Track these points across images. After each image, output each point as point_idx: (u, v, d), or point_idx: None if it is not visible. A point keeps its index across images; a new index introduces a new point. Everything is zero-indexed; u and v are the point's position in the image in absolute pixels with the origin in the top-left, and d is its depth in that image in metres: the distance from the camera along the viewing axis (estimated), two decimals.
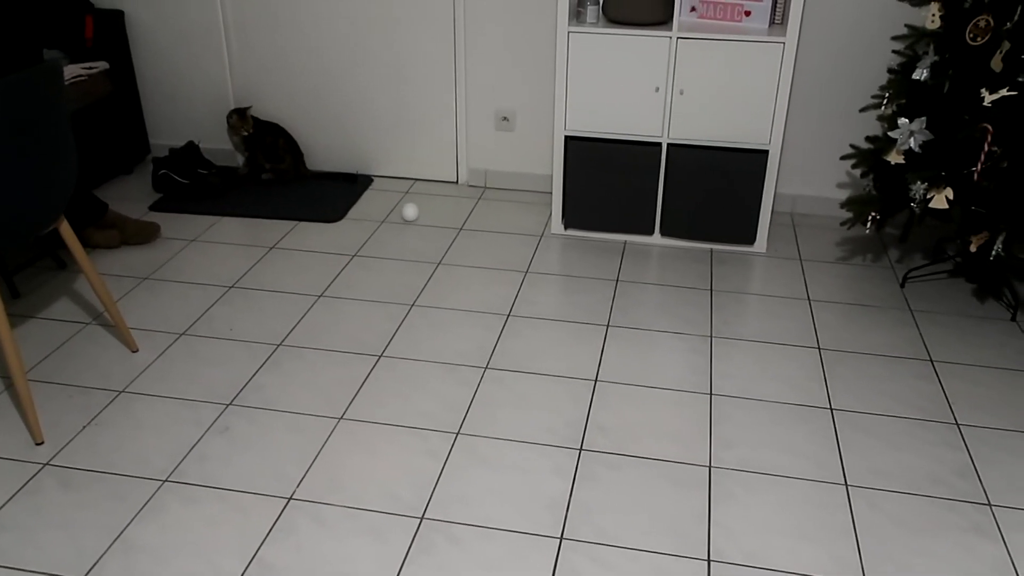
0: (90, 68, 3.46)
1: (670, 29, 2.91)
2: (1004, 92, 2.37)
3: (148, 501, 1.96)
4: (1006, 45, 2.38)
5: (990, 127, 2.41)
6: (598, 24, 2.97)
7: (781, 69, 2.87)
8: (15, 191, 1.99)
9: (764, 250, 3.17)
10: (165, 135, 3.94)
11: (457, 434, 2.19)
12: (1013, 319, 2.73)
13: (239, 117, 3.58)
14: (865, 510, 1.95)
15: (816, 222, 3.42)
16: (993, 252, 2.43)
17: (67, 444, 2.14)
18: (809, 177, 3.44)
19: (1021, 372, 2.46)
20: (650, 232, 3.21)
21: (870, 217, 2.73)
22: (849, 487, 2.02)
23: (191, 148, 3.63)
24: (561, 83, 3.04)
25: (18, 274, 2.96)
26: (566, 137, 3.12)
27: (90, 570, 1.77)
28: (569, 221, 3.26)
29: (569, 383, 2.40)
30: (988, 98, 2.39)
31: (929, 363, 2.50)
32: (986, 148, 2.43)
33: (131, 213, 3.42)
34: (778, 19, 2.97)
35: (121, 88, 3.72)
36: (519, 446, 2.15)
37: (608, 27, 2.95)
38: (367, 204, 3.55)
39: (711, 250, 3.18)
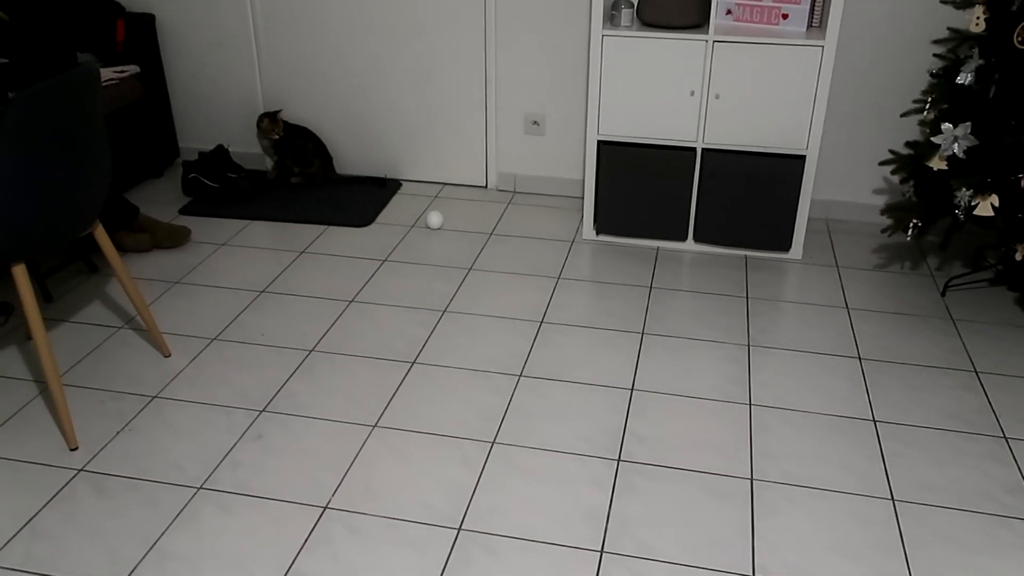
0: (121, 72, 3.46)
1: (706, 32, 2.87)
2: None
3: (183, 509, 1.94)
4: None
5: None
6: (632, 27, 2.94)
7: (820, 73, 2.82)
8: (54, 196, 1.98)
9: (800, 257, 3.12)
10: (194, 139, 3.94)
11: (492, 443, 2.16)
12: None
13: (270, 121, 3.57)
14: (914, 526, 1.90)
15: (852, 228, 3.36)
16: None
17: (101, 450, 2.13)
18: (844, 183, 3.38)
19: None
20: (683, 238, 3.17)
21: (912, 224, 2.68)
22: (896, 502, 1.97)
23: (220, 152, 3.63)
24: (595, 87, 3.00)
25: (50, 278, 2.96)
26: (599, 142, 3.09)
27: None
28: (601, 226, 3.22)
29: (605, 392, 2.36)
30: None
31: (974, 374, 2.44)
32: None
33: (161, 217, 3.42)
34: (816, 22, 2.92)
35: (151, 92, 3.72)
36: (556, 456, 2.11)
37: (643, 30, 2.91)
38: (396, 209, 3.53)
39: (745, 257, 3.14)
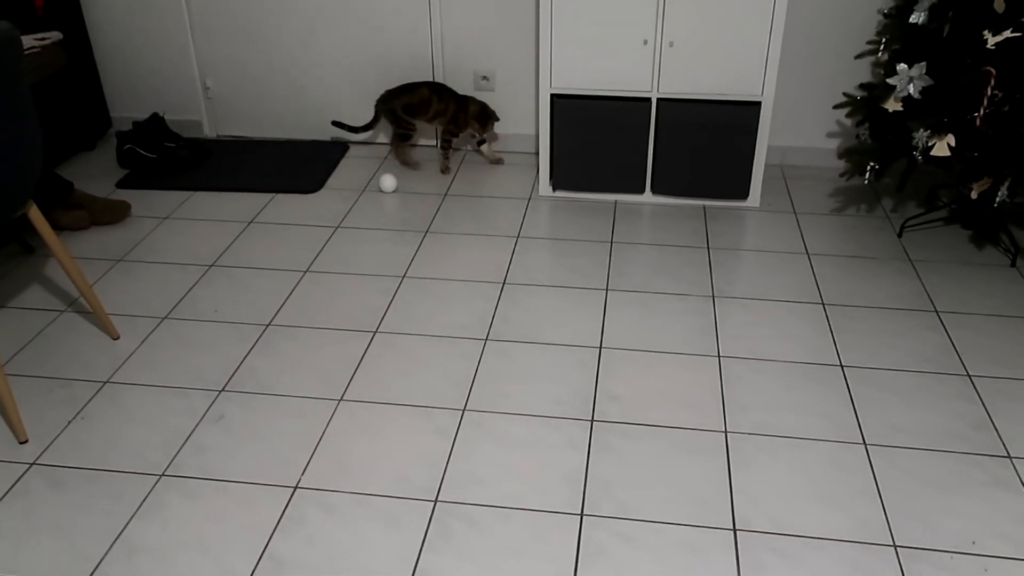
0: (42, 39, 3.25)
1: None
2: (1008, 34, 2.31)
3: (146, 498, 1.86)
4: None
5: (993, 70, 2.35)
6: None
7: (773, 17, 2.78)
8: None
9: (757, 204, 3.11)
10: (127, 108, 3.75)
11: (463, 410, 2.11)
12: (1013, 265, 2.70)
13: (482, 127, 3.37)
14: (887, 469, 1.91)
15: (806, 173, 3.36)
16: (998, 198, 2.39)
17: (53, 441, 2.03)
18: (798, 128, 3.37)
19: None
20: (641, 191, 3.13)
21: (869, 167, 2.67)
22: (868, 446, 1.98)
23: (156, 120, 3.46)
24: (546, 39, 2.92)
25: None
26: (552, 95, 3.01)
27: (91, 575, 1.68)
28: (557, 182, 3.17)
29: (574, 351, 2.33)
30: (991, 40, 2.33)
31: (935, 314, 2.47)
32: (989, 92, 2.37)
33: (97, 191, 3.26)
34: None
35: (77, 59, 3.52)
36: (529, 420, 2.08)
37: None
38: (345, 173, 3.42)
39: (704, 206, 3.11)
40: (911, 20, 2.57)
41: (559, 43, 2.92)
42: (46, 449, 2.00)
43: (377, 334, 2.41)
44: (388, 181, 3.24)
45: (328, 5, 3.41)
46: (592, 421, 2.07)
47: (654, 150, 3.04)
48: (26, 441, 2.03)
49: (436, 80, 3.46)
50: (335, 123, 3.46)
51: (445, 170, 3.39)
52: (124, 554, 1.72)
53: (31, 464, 1.96)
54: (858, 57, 2.81)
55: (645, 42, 2.88)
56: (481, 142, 3.43)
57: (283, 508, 1.83)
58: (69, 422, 2.09)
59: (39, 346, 2.38)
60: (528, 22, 3.33)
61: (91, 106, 3.64)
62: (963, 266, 2.70)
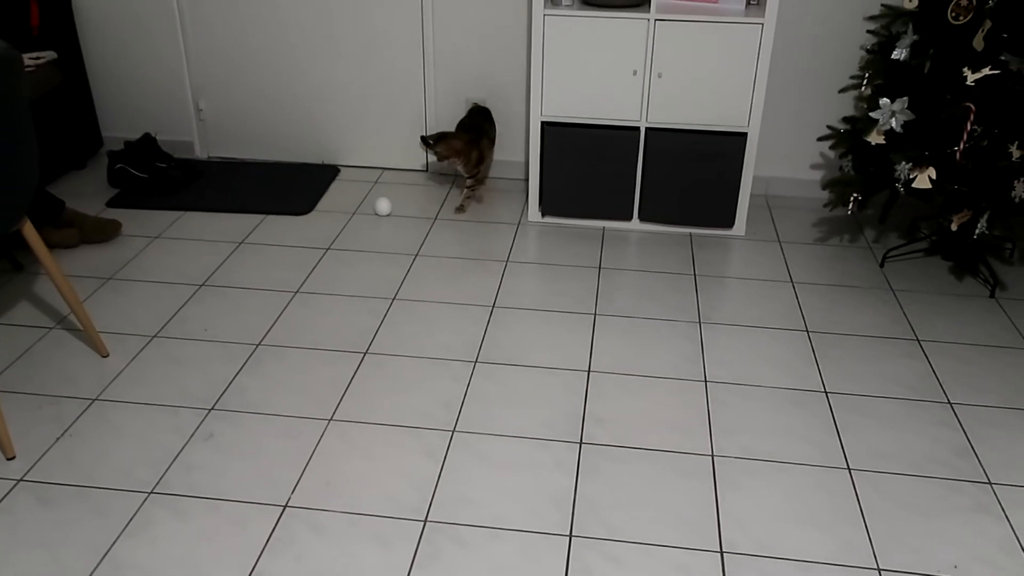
0: (37, 58, 3.27)
1: (648, 11, 2.86)
2: (986, 71, 2.38)
3: (134, 515, 1.85)
4: (987, 24, 2.39)
5: (972, 106, 2.42)
6: (574, 7, 2.91)
7: (760, 51, 2.85)
8: None
9: (743, 233, 3.16)
10: (119, 127, 3.77)
11: (453, 432, 2.13)
12: (992, 296, 2.76)
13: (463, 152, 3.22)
14: (871, 494, 1.94)
15: (791, 203, 3.42)
16: (977, 231, 2.45)
17: (41, 457, 2.02)
18: (783, 159, 3.43)
19: (1006, 348, 2.49)
20: (629, 218, 3.17)
21: (852, 198, 2.73)
22: (852, 471, 2.01)
23: (147, 140, 3.48)
24: (537, 68, 2.97)
25: None
26: (543, 123, 3.06)
27: None
28: (546, 208, 3.20)
29: (562, 375, 2.35)
30: (971, 77, 2.40)
31: (916, 343, 2.51)
32: (968, 127, 2.44)
33: (88, 210, 3.27)
34: (754, 0, 2.95)
35: (70, 79, 3.54)
36: (518, 442, 2.09)
37: (584, 10, 2.89)
38: (336, 195, 3.44)
39: (690, 234, 3.16)
40: (893, 56, 2.64)
41: (550, 72, 2.97)
42: (34, 466, 2.00)
43: (367, 355, 2.42)
44: (383, 205, 3.26)
45: (321, 30, 3.45)
46: (580, 444, 2.09)
47: (642, 178, 3.09)
48: (13, 457, 2.02)
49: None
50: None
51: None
52: (111, 572, 1.72)
53: (18, 480, 1.95)
54: (842, 91, 2.89)
55: (634, 73, 2.93)
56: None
57: (272, 527, 1.83)
58: (57, 439, 2.08)
59: (27, 363, 2.37)
60: (520, 50, 3.39)
61: (83, 125, 3.65)
62: (943, 296, 2.76)
